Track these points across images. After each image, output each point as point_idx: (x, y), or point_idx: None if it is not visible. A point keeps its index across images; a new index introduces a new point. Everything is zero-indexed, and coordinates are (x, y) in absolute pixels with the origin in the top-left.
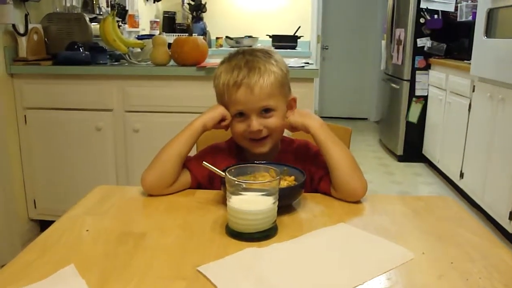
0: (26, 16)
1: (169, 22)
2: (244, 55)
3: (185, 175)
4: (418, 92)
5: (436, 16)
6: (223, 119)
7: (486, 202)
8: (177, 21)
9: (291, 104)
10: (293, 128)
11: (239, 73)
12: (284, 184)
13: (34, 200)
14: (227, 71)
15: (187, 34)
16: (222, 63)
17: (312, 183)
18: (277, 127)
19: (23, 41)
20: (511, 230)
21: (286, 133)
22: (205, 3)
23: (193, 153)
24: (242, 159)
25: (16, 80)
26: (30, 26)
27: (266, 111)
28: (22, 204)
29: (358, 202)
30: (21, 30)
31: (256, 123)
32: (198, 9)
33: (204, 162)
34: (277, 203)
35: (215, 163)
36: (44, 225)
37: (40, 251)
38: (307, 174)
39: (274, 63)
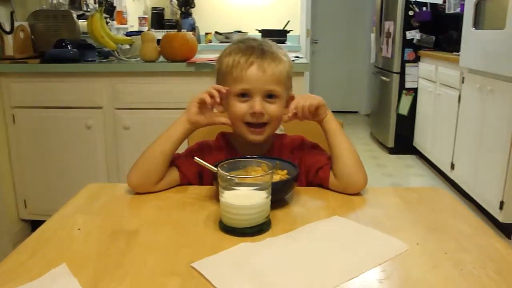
0: (11, 13)
1: (157, 18)
2: (257, 40)
3: (173, 173)
4: (408, 85)
5: (424, 9)
6: (205, 103)
7: (477, 192)
8: (165, 17)
9: (288, 102)
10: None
11: (252, 53)
12: (276, 178)
13: (25, 200)
14: (239, 51)
15: (176, 30)
16: (230, 45)
17: (308, 175)
18: (277, 115)
19: (9, 39)
20: (502, 220)
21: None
22: None
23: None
24: (232, 155)
25: (3, 78)
26: (16, 23)
27: (270, 97)
28: (13, 204)
29: (353, 194)
30: (7, 28)
31: (259, 104)
32: (186, 5)
33: (195, 158)
34: (270, 197)
35: (204, 159)
36: (35, 225)
37: (31, 251)
38: (303, 167)
39: (284, 53)
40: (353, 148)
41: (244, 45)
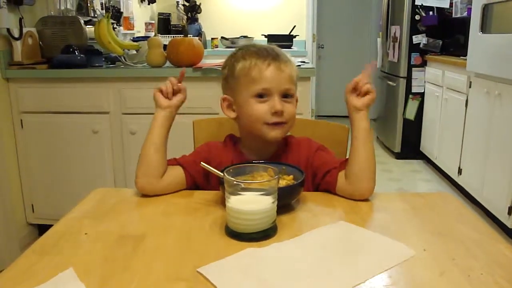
0: (20, 20)
1: (164, 24)
2: (263, 45)
3: (178, 173)
4: (414, 89)
5: (431, 13)
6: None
7: (484, 197)
8: (172, 23)
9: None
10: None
11: (268, 55)
12: (283, 183)
13: (32, 205)
14: (253, 54)
15: (182, 35)
16: (238, 51)
17: (315, 178)
18: (294, 114)
19: (18, 45)
20: (511, 226)
21: None
22: (200, 4)
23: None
24: (239, 157)
25: (11, 84)
26: (24, 30)
27: (286, 96)
28: (20, 209)
29: (359, 200)
30: (16, 34)
31: (280, 103)
32: (193, 10)
33: (202, 163)
34: (276, 202)
35: (211, 159)
36: (42, 229)
37: (38, 255)
38: (310, 169)
39: (291, 58)
40: (373, 155)
41: (255, 48)
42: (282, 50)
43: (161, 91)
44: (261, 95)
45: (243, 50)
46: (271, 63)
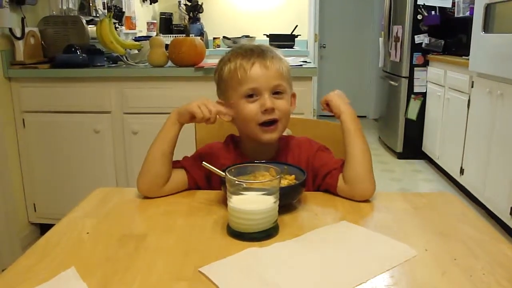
0: (22, 19)
1: (166, 23)
2: (253, 45)
3: (181, 175)
4: (416, 89)
5: (433, 12)
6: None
7: (486, 197)
8: (174, 22)
9: (291, 100)
10: (327, 106)
11: (252, 54)
12: (284, 183)
13: (34, 204)
14: (238, 55)
15: (184, 35)
16: (226, 54)
17: (315, 179)
18: (286, 111)
19: (20, 44)
20: None
21: (285, 131)
22: (202, 3)
23: (190, 150)
24: (241, 158)
25: (13, 83)
26: (26, 29)
27: (277, 93)
28: (22, 208)
29: (360, 201)
30: (18, 33)
31: (270, 100)
32: (194, 10)
33: (203, 162)
34: (278, 202)
35: (213, 162)
36: (44, 228)
37: (40, 254)
38: (311, 170)
39: (281, 53)
40: (368, 154)
41: (241, 50)
42: (272, 47)
43: (208, 118)
44: (251, 95)
45: (230, 52)
46: (256, 61)
